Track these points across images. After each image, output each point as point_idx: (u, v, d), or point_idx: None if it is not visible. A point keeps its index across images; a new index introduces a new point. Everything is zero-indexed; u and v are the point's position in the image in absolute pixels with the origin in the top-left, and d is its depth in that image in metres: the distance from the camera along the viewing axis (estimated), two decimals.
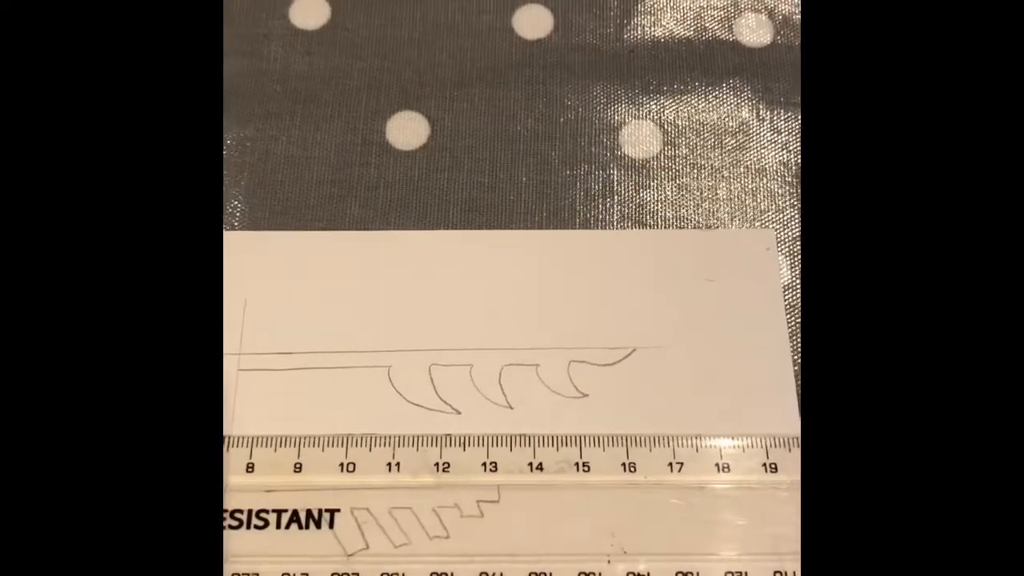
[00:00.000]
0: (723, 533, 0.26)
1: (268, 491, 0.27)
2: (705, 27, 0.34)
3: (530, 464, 0.27)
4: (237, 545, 0.26)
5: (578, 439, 0.27)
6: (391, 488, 0.27)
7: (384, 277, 0.30)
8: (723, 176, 0.32)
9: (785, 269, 0.30)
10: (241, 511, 0.26)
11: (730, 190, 0.32)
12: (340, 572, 0.26)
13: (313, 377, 0.28)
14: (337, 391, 0.28)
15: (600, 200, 0.31)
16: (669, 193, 0.32)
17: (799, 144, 0.32)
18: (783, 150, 0.32)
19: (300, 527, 0.26)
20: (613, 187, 0.32)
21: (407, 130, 0.33)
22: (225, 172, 0.32)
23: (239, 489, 0.26)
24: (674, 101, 0.33)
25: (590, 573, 0.26)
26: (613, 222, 0.31)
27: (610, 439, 0.27)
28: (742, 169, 0.32)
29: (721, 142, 0.32)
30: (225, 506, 0.26)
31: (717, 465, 0.27)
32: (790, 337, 0.29)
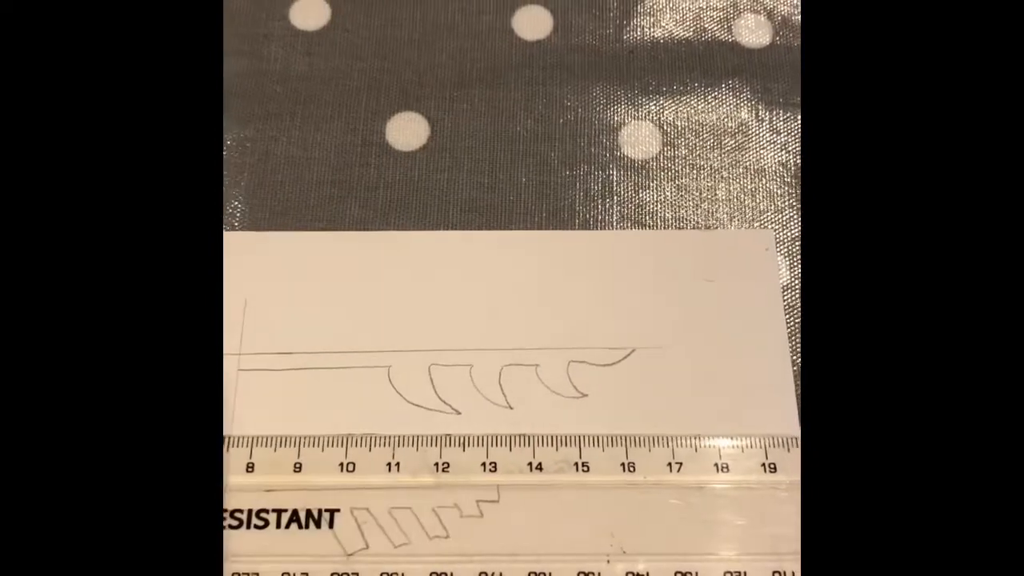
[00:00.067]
0: (722, 533, 0.26)
1: (268, 491, 0.27)
2: (704, 28, 0.34)
3: (529, 464, 0.27)
4: (237, 545, 0.26)
5: (577, 439, 0.27)
6: (391, 488, 0.27)
7: (384, 277, 0.30)
8: (722, 177, 0.32)
9: (784, 269, 0.30)
10: (241, 511, 0.26)
11: (729, 191, 0.32)
12: (340, 572, 0.26)
13: (313, 377, 0.28)
14: (337, 391, 0.28)
15: (599, 200, 0.31)
16: (668, 194, 0.32)
17: (798, 145, 0.32)
18: (782, 151, 0.32)
19: (300, 527, 0.26)
20: (612, 188, 0.32)
21: (407, 131, 0.33)
22: (225, 172, 0.32)
23: (239, 489, 0.27)
24: (673, 102, 0.33)
25: (589, 573, 0.26)
26: (612, 222, 0.31)
27: (609, 439, 0.27)
28: (741, 170, 0.32)
29: (720, 143, 0.33)
30: (225, 506, 0.26)
31: (716, 465, 0.27)
32: (789, 337, 0.29)
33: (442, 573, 0.26)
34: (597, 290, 0.30)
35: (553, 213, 0.31)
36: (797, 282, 0.30)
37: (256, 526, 0.26)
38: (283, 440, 0.27)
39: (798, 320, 0.30)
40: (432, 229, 0.31)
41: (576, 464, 0.27)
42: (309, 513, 0.26)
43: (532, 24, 0.34)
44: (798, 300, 0.30)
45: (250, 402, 0.28)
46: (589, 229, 0.31)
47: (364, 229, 0.31)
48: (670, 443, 0.27)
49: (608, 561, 0.26)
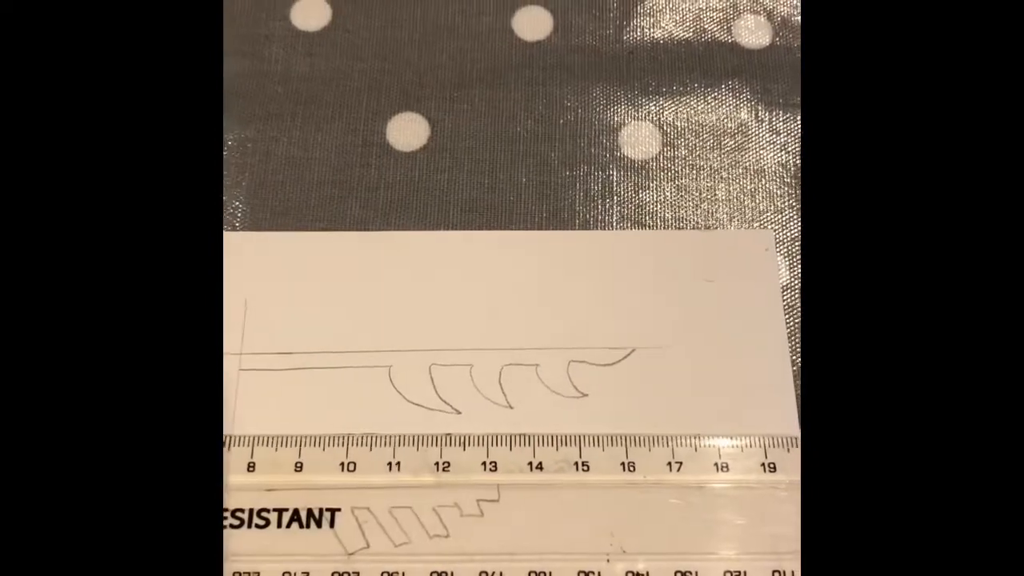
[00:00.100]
0: (722, 532, 0.26)
1: (269, 490, 0.27)
2: (704, 29, 0.34)
3: (530, 463, 0.27)
4: (238, 544, 0.26)
5: (578, 439, 0.27)
6: (391, 487, 0.27)
7: (384, 277, 0.30)
8: (722, 177, 0.32)
9: (784, 269, 0.30)
10: (242, 510, 0.26)
11: (729, 191, 0.32)
12: (341, 571, 0.26)
13: (314, 377, 0.28)
14: (338, 391, 0.28)
15: (599, 201, 0.32)
16: (668, 194, 0.32)
17: (797, 145, 0.32)
18: (781, 151, 0.32)
19: (301, 526, 0.26)
20: (612, 188, 0.32)
21: (407, 131, 0.33)
22: (226, 173, 0.32)
23: (240, 488, 0.27)
24: (673, 102, 0.33)
25: (589, 572, 0.26)
26: (612, 223, 0.31)
27: (609, 439, 0.27)
28: (741, 170, 0.32)
29: (720, 143, 0.33)
30: (226, 505, 0.26)
31: (716, 465, 0.27)
32: (789, 337, 0.29)
33: (443, 572, 0.26)
34: (597, 290, 0.30)
35: (553, 213, 0.31)
36: (797, 282, 0.30)
37: (257, 525, 0.26)
38: (284, 440, 0.27)
39: (798, 320, 0.30)
40: (432, 229, 0.31)
41: (576, 464, 0.27)
42: (310, 512, 0.26)
43: (532, 25, 0.35)
44: (798, 300, 0.30)
45: (251, 402, 0.28)
46: (589, 229, 0.31)
47: (365, 229, 0.31)
48: (670, 443, 0.27)
49: (608, 560, 0.26)
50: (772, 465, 0.27)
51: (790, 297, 0.30)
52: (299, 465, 0.27)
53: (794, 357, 0.29)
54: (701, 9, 0.35)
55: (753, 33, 0.34)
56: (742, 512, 0.26)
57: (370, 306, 0.29)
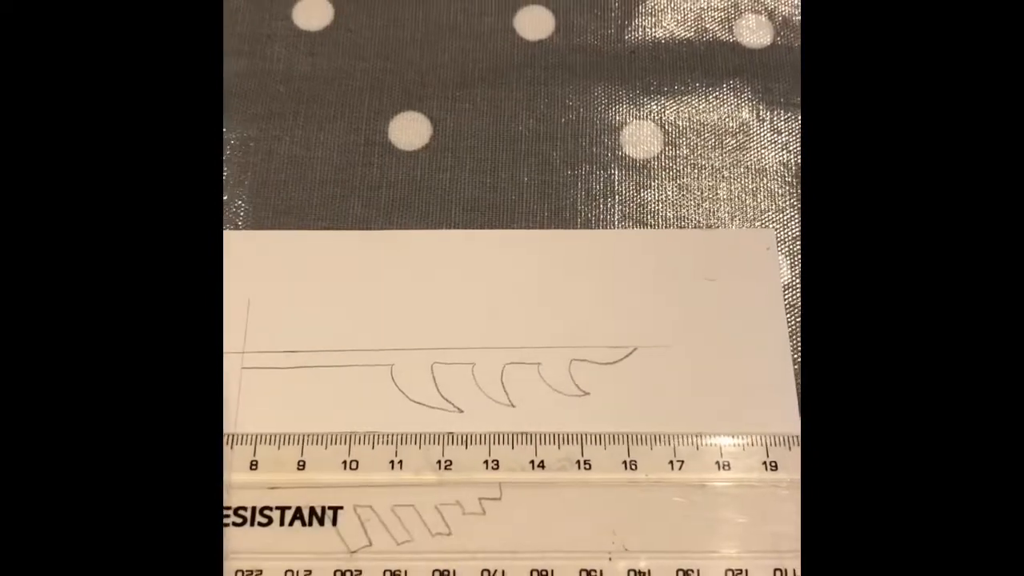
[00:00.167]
0: (724, 531, 0.26)
1: (272, 488, 0.27)
2: (705, 28, 0.34)
3: (532, 462, 0.27)
4: (241, 542, 0.26)
5: (579, 437, 0.27)
6: (394, 486, 0.27)
7: (386, 276, 0.30)
8: (723, 176, 0.32)
9: (785, 269, 0.31)
10: (245, 508, 0.26)
11: (730, 190, 0.32)
12: (343, 569, 0.26)
13: (316, 375, 0.28)
14: (340, 389, 0.28)
15: (601, 200, 0.32)
16: (670, 193, 0.32)
17: (799, 144, 0.32)
18: (783, 150, 0.33)
19: (303, 524, 0.26)
20: (614, 187, 0.32)
21: (409, 130, 0.33)
22: (229, 172, 0.32)
23: (243, 486, 0.27)
24: (675, 102, 0.33)
25: (591, 570, 0.26)
26: (614, 222, 0.31)
27: (611, 437, 0.27)
28: (742, 169, 0.32)
29: (721, 142, 0.33)
30: (229, 503, 0.26)
31: (718, 463, 0.27)
32: (790, 336, 0.29)
33: (445, 570, 0.26)
34: (599, 289, 0.30)
35: (555, 212, 0.31)
36: (798, 281, 0.30)
37: (260, 523, 0.26)
38: (286, 438, 0.27)
39: (799, 319, 0.30)
40: (434, 228, 0.31)
41: (578, 462, 0.27)
42: (312, 510, 0.26)
43: (534, 24, 0.35)
44: (799, 299, 0.30)
45: (254, 400, 0.28)
46: (591, 228, 0.31)
47: (367, 228, 0.31)
48: (672, 441, 0.27)
49: (610, 559, 0.26)
50: (773, 464, 0.27)
51: (791, 296, 0.30)
52: (302, 463, 0.27)
53: (795, 356, 0.29)
54: (703, 8, 0.35)
55: (754, 32, 0.34)
56: (744, 511, 0.27)
57: (372, 305, 0.29)
